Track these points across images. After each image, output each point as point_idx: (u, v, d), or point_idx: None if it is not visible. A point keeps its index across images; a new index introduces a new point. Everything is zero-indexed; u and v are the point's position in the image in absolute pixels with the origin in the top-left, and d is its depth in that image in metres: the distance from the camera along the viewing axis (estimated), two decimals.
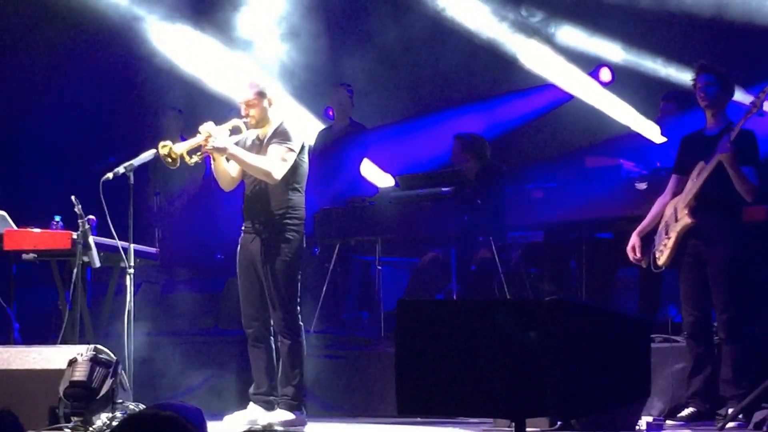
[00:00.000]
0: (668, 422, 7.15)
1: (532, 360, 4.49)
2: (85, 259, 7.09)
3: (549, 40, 10.75)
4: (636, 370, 5.22)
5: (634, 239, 7.28)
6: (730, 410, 6.84)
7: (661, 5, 10.07)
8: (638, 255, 7.27)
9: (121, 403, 6.48)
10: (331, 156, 9.88)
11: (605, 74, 10.77)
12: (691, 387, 7.11)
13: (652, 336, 7.44)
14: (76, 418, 6.32)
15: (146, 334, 8.47)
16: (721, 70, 7.14)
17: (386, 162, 10.39)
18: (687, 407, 7.11)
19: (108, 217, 6.89)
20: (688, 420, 7.06)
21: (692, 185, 7.06)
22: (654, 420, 7.03)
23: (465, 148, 9.33)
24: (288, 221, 7.15)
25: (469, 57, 10.83)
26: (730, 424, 6.75)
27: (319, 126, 10.48)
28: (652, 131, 9.89)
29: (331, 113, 10.47)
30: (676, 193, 7.18)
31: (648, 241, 7.28)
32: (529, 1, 10.76)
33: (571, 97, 10.90)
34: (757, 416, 6.71)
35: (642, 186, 8.14)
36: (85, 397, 6.31)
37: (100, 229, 7.18)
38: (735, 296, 6.97)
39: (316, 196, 8.99)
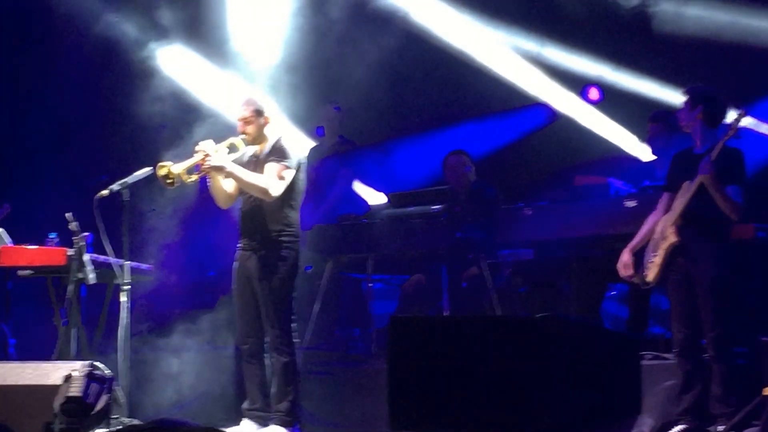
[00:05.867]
0: None
1: (524, 377, 4.54)
2: (80, 275, 7.11)
3: (539, 60, 10.84)
4: (626, 387, 5.28)
5: (626, 256, 7.31)
6: (720, 428, 6.88)
7: (651, 25, 10.16)
8: (630, 272, 7.31)
9: (116, 418, 6.51)
10: (322, 173, 9.94)
11: (594, 93, 10.86)
12: (682, 404, 7.12)
13: (643, 353, 7.50)
14: None
15: (140, 350, 8.49)
16: (708, 93, 7.21)
17: (377, 180, 10.43)
18: (677, 424, 7.10)
19: (103, 233, 6.94)
20: None
21: (678, 204, 7.10)
22: None
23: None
24: (284, 238, 7.19)
25: (459, 76, 10.91)
26: None
27: (310, 144, 10.54)
28: (640, 150, 9.95)
29: (322, 131, 10.52)
30: (667, 210, 7.24)
31: (640, 257, 7.33)
32: (520, 22, 10.83)
33: (559, 115, 10.97)
34: None
35: (631, 204, 8.18)
36: (80, 413, 6.33)
37: (96, 246, 7.22)
38: (723, 314, 6.99)
39: (307, 213, 9.03)
